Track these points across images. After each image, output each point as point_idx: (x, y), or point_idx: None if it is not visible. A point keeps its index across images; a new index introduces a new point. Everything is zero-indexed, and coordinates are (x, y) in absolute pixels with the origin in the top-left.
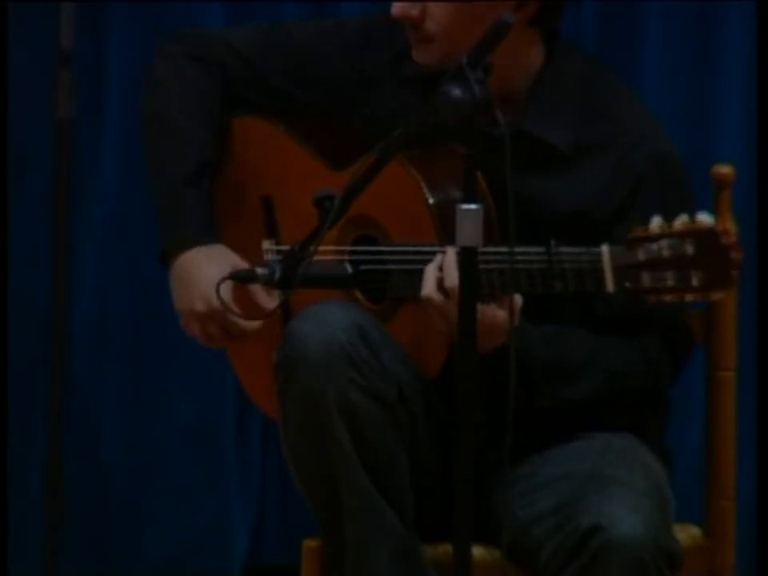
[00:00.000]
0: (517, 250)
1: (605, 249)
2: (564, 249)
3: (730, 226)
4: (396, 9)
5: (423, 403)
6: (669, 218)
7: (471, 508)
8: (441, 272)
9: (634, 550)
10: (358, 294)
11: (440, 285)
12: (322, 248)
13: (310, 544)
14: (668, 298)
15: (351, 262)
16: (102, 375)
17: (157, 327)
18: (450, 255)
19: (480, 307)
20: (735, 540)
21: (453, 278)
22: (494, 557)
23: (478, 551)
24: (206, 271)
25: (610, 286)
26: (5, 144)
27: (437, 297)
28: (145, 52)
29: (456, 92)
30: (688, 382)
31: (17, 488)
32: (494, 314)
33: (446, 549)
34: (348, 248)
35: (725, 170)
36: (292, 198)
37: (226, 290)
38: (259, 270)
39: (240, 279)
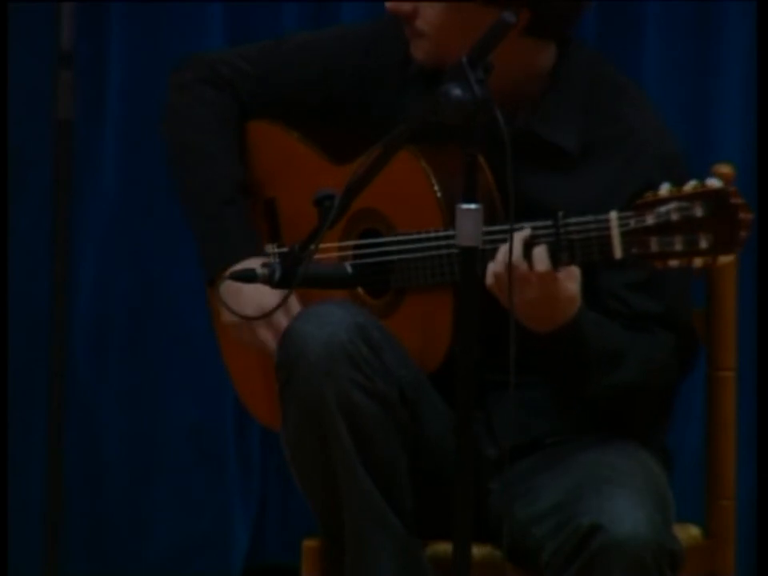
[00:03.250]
0: (523, 224)
1: (613, 215)
2: (572, 219)
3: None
4: (389, 3)
5: (425, 404)
6: None
7: (471, 508)
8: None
9: (634, 550)
10: (359, 289)
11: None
12: (328, 244)
13: (309, 544)
14: (675, 262)
15: (354, 258)
16: (102, 375)
17: (157, 327)
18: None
19: (553, 276)
20: (735, 540)
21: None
22: (493, 557)
23: (477, 551)
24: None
25: (617, 252)
26: (5, 144)
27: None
28: (145, 52)
29: (456, 92)
30: (688, 382)
31: (17, 488)
32: (561, 286)
33: (445, 549)
34: (352, 242)
35: (725, 169)
36: (299, 201)
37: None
38: (259, 270)
39: (240, 279)
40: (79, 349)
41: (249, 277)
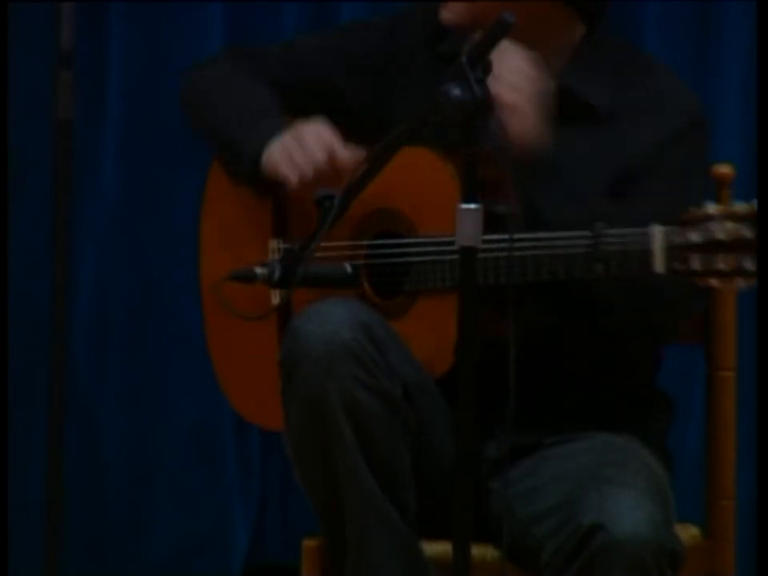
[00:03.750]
0: (560, 234)
1: (657, 229)
2: (611, 230)
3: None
4: None
5: (428, 403)
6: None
7: (471, 508)
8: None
9: (635, 549)
10: (368, 290)
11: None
12: (341, 243)
13: (309, 544)
14: (716, 282)
15: (366, 258)
16: (102, 375)
17: (157, 327)
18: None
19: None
20: (735, 540)
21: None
22: (493, 557)
23: (477, 551)
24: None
25: (659, 267)
26: (5, 144)
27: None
28: (145, 52)
29: (456, 92)
30: (688, 382)
31: (17, 488)
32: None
33: (445, 548)
34: (367, 242)
35: (725, 169)
36: (308, 197)
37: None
38: (259, 270)
39: (240, 279)
40: (79, 349)
41: (249, 277)
